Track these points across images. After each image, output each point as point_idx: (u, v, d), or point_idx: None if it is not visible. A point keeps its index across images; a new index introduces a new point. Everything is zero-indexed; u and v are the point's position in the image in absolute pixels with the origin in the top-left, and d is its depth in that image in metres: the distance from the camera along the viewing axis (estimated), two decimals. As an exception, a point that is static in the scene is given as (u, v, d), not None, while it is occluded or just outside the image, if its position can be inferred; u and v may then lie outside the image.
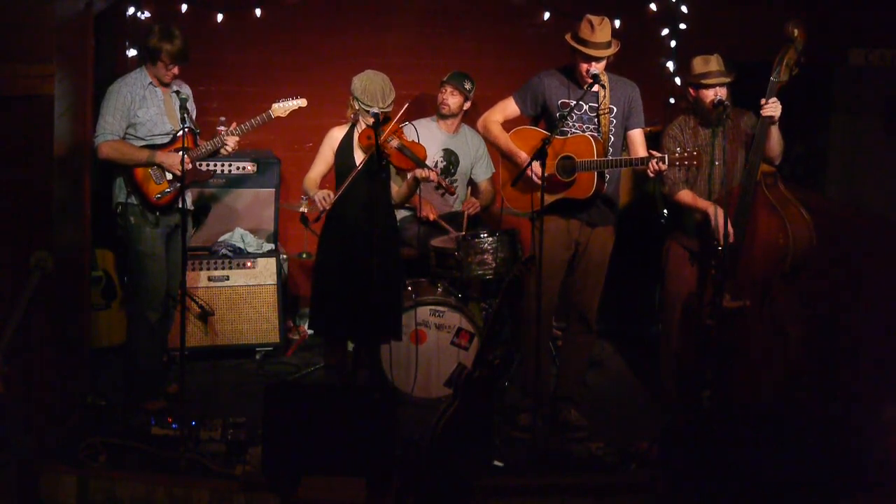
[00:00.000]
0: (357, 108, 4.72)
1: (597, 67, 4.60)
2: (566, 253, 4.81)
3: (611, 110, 4.71)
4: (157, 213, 4.83)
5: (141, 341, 4.93)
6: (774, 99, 4.57)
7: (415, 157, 4.70)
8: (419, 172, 4.72)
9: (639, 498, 4.26)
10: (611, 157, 4.67)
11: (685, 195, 4.81)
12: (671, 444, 4.37)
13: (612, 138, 4.73)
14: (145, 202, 4.81)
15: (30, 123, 4.50)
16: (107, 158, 4.77)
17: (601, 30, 4.57)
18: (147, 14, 6.04)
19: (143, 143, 4.80)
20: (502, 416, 4.82)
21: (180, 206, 4.71)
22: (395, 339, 4.99)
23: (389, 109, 4.69)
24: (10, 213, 4.51)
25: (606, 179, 4.70)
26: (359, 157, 4.74)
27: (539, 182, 4.44)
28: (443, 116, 5.77)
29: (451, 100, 5.71)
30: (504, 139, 4.79)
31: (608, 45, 4.58)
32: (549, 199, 4.64)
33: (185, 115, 4.64)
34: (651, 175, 4.51)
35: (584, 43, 4.57)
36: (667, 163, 4.45)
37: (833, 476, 4.09)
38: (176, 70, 4.78)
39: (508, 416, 4.86)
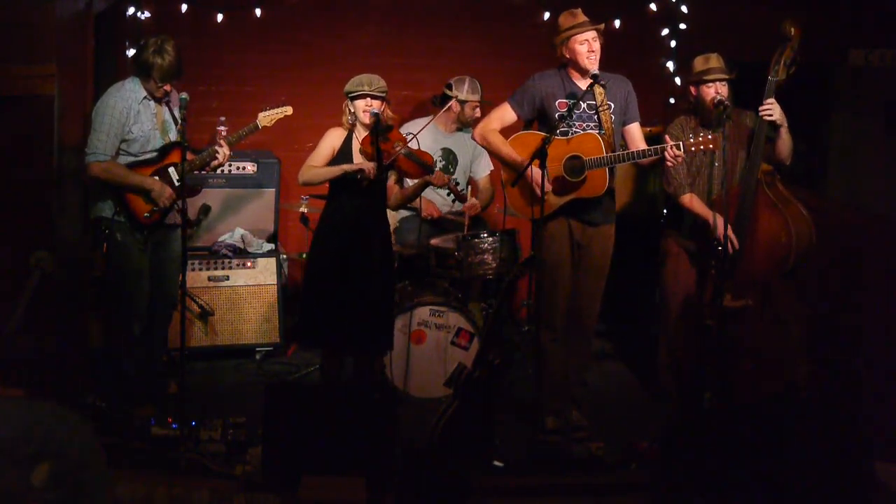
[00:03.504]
0: (350, 110, 4.71)
1: (597, 51, 4.59)
2: (571, 254, 4.80)
3: (609, 106, 4.71)
4: (145, 232, 4.73)
5: (124, 352, 4.88)
6: (772, 100, 4.58)
7: (423, 163, 4.68)
8: (433, 178, 4.72)
9: (639, 498, 4.26)
10: (623, 151, 4.65)
11: (687, 200, 4.81)
12: (671, 444, 4.37)
13: (615, 134, 4.73)
14: (133, 221, 4.70)
15: (30, 123, 4.49)
16: (96, 178, 4.64)
17: (580, 14, 4.64)
18: (147, 14, 6.04)
19: (135, 159, 4.69)
20: (526, 420, 4.76)
21: (170, 221, 4.67)
22: (387, 350, 5.00)
23: (381, 95, 4.66)
24: (10, 213, 4.51)
25: (614, 175, 4.70)
26: (359, 162, 4.73)
27: (538, 189, 4.43)
28: (467, 125, 5.77)
29: (478, 112, 5.71)
30: (506, 148, 4.73)
31: (593, 23, 4.63)
32: (560, 201, 4.64)
33: (175, 114, 4.55)
34: (669, 164, 4.49)
35: (573, 27, 4.62)
36: (683, 149, 4.43)
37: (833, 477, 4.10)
38: (167, 87, 4.66)
39: (534, 420, 4.72)
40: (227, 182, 5.97)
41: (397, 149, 4.63)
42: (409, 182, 4.99)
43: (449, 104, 5.67)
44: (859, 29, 6.37)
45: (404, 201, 4.97)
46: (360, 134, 4.73)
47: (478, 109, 5.69)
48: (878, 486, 3.95)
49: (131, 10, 5.99)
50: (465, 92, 5.67)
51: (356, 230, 4.65)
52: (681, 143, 4.45)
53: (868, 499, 3.95)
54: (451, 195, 5.14)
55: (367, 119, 4.65)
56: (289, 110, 4.91)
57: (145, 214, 4.71)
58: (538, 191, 4.46)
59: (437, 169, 5.00)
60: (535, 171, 4.48)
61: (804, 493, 4.09)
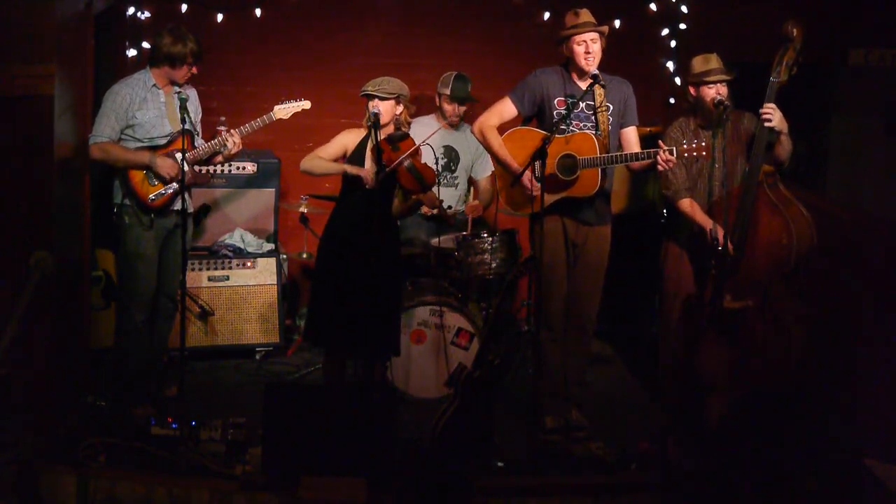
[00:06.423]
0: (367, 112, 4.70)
1: (594, 53, 4.60)
2: (567, 254, 4.80)
3: (607, 108, 4.71)
4: (152, 216, 4.81)
5: (129, 342, 4.92)
6: (773, 105, 4.57)
7: (422, 179, 4.65)
8: (425, 198, 4.69)
9: (639, 498, 4.26)
10: (617, 153, 4.66)
11: (686, 205, 4.80)
12: (671, 444, 4.38)
13: (612, 136, 4.73)
14: (140, 204, 4.79)
15: (30, 123, 4.49)
16: (95, 160, 4.79)
17: (584, 14, 4.66)
18: (147, 14, 6.05)
19: (141, 144, 4.79)
20: (526, 420, 4.74)
21: (179, 207, 4.71)
22: (393, 356, 4.97)
23: (386, 96, 4.62)
24: (10, 213, 4.51)
25: (608, 176, 4.70)
26: (368, 165, 4.70)
27: (535, 192, 4.43)
28: (452, 124, 5.76)
29: (460, 109, 5.71)
30: (500, 149, 4.74)
31: (595, 25, 4.64)
32: (550, 198, 4.63)
33: (185, 116, 4.63)
34: (661, 168, 4.50)
35: (573, 27, 4.64)
36: (676, 154, 4.44)
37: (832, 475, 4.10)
38: (196, 69, 4.79)
39: (534, 420, 4.66)
40: (227, 182, 5.98)
41: (402, 159, 4.59)
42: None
43: (440, 101, 5.71)
44: (859, 29, 6.37)
45: (399, 214, 4.92)
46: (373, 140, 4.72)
47: (457, 107, 5.68)
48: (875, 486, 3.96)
49: (131, 10, 6.00)
50: (440, 86, 5.69)
51: (362, 233, 4.62)
52: (674, 148, 4.45)
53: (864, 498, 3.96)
54: (440, 214, 5.15)
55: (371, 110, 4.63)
56: (306, 105, 4.93)
57: (150, 197, 4.79)
58: (530, 188, 4.46)
59: (438, 199, 5.00)
60: (528, 173, 4.50)
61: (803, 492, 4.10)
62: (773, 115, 4.58)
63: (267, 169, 6.03)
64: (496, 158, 4.81)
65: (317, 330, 4.83)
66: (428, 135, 4.87)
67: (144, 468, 4.22)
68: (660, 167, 4.49)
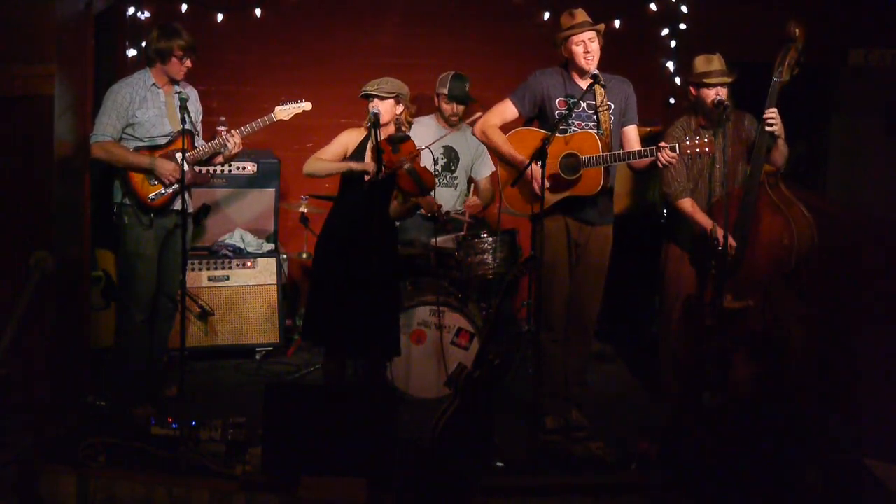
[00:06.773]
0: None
1: (593, 52, 4.60)
2: (569, 254, 4.80)
3: (609, 107, 4.71)
4: (152, 215, 4.82)
5: (129, 341, 4.93)
6: (774, 110, 4.57)
7: (422, 184, 4.64)
8: (423, 201, 4.68)
9: (639, 498, 4.26)
10: (619, 151, 4.65)
11: (686, 204, 4.81)
12: (671, 443, 4.38)
13: (613, 135, 4.73)
14: (140, 203, 4.80)
15: (30, 123, 4.49)
16: (96, 159, 4.80)
17: (580, 14, 4.67)
18: (147, 14, 6.05)
19: (141, 143, 4.79)
20: (526, 420, 4.72)
21: (179, 207, 4.71)
22: (394, 356, 4.96)
23: (384, 95, 4.63)
24: (10, 213, 4.51)
25: (611, 175, 4.70)
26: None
27: (538, 188, 4.43)
28: (452, 124, 5.75)
29: (459, 109, 5.70)
30: (504, 145, 4.74)
31: (591, 24, 4.64)
32: (553, 198, 4.64)
33: (186, 116, 4.64)
34: (661, 165, 4.50)
35: (570, 28, 4.64)
36: (678, 151, 4.44)
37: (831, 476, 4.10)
38: (189, 63, 4.79)
39: (534, 420, 4.65)
40: (227, 182, 5.99)
41: (402, 162, 4.59)
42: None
43: (438, 101, 5.70)
44: (859, 29, 6.37)
45: (397, 216, 4.92)
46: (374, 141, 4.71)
47: (455, 106, 5.68)
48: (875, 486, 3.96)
49: (131, 10, 6.01)
50: (438, 86, 5.69)
51: (361, 232, 4.62)
52: (676, 145, 4.45)
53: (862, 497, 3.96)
54: (438, 220, 5.16)
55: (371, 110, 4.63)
56: (307, 106, 4.95)
57: (150, 197, 4.80)
58: (537, 188, 4.46)
59: (437, 203, 5.00)
60: (535, 169, 4.49)
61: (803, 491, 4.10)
62: (775, 120, 4.58)
63: (267, 169, 6.03)
64: (500, 156, 4.80)
65: (316, 330, 4.83)
66: (431, 138, 4.85)
67: (144, 468, 4.22)
68: (660, 164, 4.49)
